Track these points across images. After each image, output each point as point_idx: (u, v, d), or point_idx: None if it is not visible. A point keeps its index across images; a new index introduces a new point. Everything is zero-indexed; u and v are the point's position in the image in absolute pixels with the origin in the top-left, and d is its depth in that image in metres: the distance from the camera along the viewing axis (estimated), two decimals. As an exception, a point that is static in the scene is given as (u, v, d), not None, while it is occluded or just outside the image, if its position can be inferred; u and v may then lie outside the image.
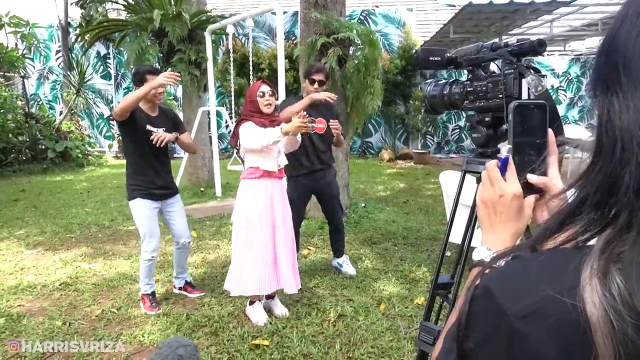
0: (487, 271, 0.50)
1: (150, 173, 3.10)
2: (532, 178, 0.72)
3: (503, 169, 0.72)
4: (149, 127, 3.04)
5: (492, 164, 0.74)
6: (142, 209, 3.10)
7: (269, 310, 3.10)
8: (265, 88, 2.95)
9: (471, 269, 0.74)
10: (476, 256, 0.72)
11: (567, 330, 0.39)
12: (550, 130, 0.75)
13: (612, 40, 0.43)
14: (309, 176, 3.58)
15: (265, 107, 2.93)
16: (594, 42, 11.05)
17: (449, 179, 3.90)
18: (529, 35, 9.50)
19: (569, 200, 0.47)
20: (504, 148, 0.75)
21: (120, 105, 2.87)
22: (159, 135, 3.01)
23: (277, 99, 3.10)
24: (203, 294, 3.41)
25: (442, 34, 9.50)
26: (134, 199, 3.11)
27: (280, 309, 3.10)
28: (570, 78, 12.49)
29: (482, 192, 0.74)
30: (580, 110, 12.56)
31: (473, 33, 9.34)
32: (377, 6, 12.83)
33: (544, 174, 0.73)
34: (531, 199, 0.73)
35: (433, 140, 12.55)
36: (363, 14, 12.22)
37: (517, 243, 0.58)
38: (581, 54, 12.23)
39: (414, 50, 11.58)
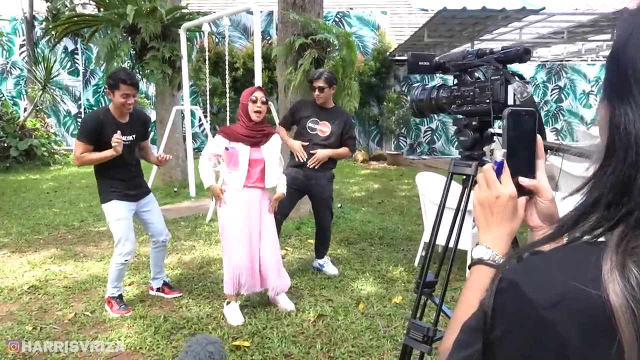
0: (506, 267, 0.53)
1: (125, 176, 3.06)
2: (523, 181, 0.76)
3: (499, 171, 0.76)
4: (116, 135, 2.88)
5: (488, 167, 0.77)
6: (118, 211, 3.03)
7: (273, 304, 3.16)
8: (258, 94, 2.90)
9: (470, 267, 0.77)
10: (476, 254, 0.76)
11: (593, 318, 0.43)
12: (538, 136, 0.80)
13: (621, 55, 0.48)
14: (299, 168, 3.60)
15: (254, 114, 2.90)
16: (559, 50, 11.46)
17: (425, 181, 3.97)
18: (499, 41, 9.78)
19: (580, 200, 0.51)
20: (499, 152, 0.79)
21: (81, 160, 2.91)
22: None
23: (268, 109, 3.06)
24: (181, 294, 3.36)
25: (416, 37, 9.65)
26: (110, 200, 3.02)
27: (284, 303, 3.14)
28: (537, 83, 12.92)
29: (479, 194, 0.77)
30: (546, 115, 13.02)
31: (446, 37, 9.53)
32: (351, 8, 12.91)
33: (534, 176, 0.77)
34: (522, 200, 0.77)
35: (406, 142, 12.73)
36: (338, 15, 12.28)
37: (534, 240, 0.61)
38: (547, 61, 12.65)
39: (388, 53, 11.73)
